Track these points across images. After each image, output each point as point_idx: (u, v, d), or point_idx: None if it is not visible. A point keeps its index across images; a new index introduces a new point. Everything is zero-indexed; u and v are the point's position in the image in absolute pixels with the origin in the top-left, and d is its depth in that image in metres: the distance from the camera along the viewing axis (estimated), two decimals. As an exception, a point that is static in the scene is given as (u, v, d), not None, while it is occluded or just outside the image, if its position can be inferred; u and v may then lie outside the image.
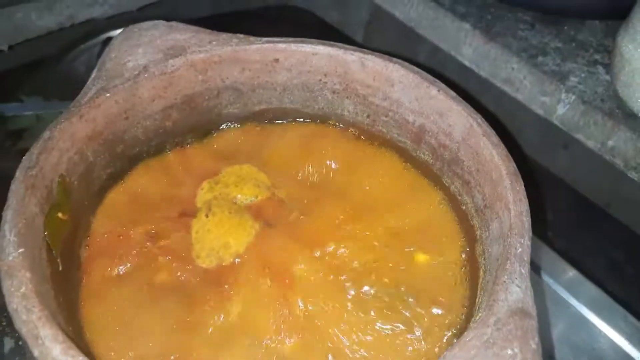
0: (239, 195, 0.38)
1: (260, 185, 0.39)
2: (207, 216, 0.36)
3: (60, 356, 0.24)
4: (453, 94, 0.38)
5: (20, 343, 0.41)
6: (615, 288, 0.49)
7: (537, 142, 0.59)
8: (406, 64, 0.39)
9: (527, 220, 0.32)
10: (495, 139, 0.35)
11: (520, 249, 0.30)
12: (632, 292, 0.50)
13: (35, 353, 0.24)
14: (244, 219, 0.36)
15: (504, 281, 0.29)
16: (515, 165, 0.34)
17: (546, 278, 0.49)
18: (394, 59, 0.39)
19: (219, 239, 0.35)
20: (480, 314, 0.28)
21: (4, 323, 0.42)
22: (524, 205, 0.32)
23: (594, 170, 0.55)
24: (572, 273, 0.50)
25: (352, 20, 0.77)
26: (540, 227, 0.59)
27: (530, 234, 0.32)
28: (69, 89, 0.48)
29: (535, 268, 0.49)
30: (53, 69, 0.66)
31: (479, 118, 0.36)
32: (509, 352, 0.26)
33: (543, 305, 0.48)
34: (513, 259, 0.30)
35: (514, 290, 0.29)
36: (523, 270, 0.30)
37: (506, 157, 0.34)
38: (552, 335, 0.47)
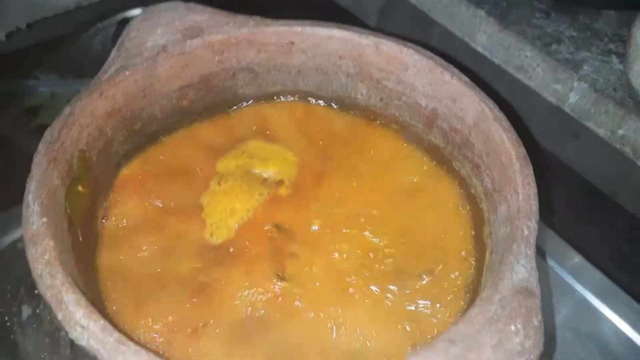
0: (258, 170, 0.39)
1: (284, 164, 0.40)
2: (219, 184, 0.37)
3: (82, 319, 0.25)
4: (466, 79, 0.38)
5: (37, 311, 0.43)
6: (620, 275, 0.50)
7: (547, 130, 0.59)
8: (420, 48, 0.40)
9: (534, 203, 0.32)
10: (506, 123, 0.36)
11: (527, 232, 0.31)
12: (637, 279, 0.50)
13: (59, 316, 0.25)
14: (253, 187, 0.37)
15: (510, 261, 0.30)
16: (524, 150, 0.35)
17: (552, 263, 0.49)
18: (409, 44, 0.40)
19: (226, 207, 0.36)
20: (485, 292, 0.29)
21: (22, 292, 0.43)
22: (532, 189, 0.33)
23: (603, 159, 0.55)
24: (577, 259, 0.50)
25: (366, 5, 0.77)
26: (547, 214, 0.60)
27: (538, 217, 0.32)
28: (84, 67, 0.49)
29: (541, 253, 0.49)
30: (69, 47, 0.67)
31: (490, 103, 0.37)
32: (512, 328, 0.27)
33: (547, 289, 0.48)
34: (520, 241, 0.30)
35: (519, 270, 0.29)
36: (529, 252, 0.30)
37: (516, 142, 0.35)
38: (556, 319, 0.48)
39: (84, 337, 0.24)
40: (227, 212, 0.37)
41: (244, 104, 0.43)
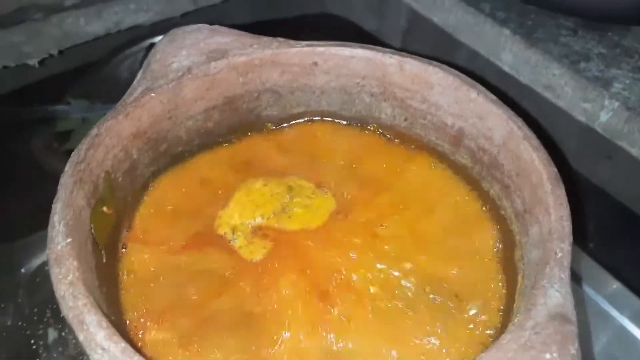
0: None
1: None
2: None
3: (103, 341, 0.24)
4: (493, 97, 0.38)
5: (63, 334, 0.43)
6: None
7: (580, 151, 0.58)
8: (445, 66, 0.39)
9: (567, 224, 0.31)
10: (536, 142, 0.35)
11: (560, 254, 0.30)
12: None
13: (81, 337, 0.25)
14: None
15: (543, 285, 0.28)
16: (556, 170, 0.34)
17: (588, 290, 0.48)
18: (433, 62, 0.40)
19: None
20: (517, 318, 0.28)
21: (48, 314, 0.43)
22: (565, 210, 0.32)
23: (638, 180, 0.53)
24: (615, 285, 0.49)
25: (390, 28, 0.77)
26: (582, 239, 0.58)
27: (571, 239, 0.31)
28: (113, 92, 0.49)
29: (577, 280, 0.48)
30: (99, 74, 0.69)
31: (519, 121, 0.36)
32: (547, 356, 0.25)
33: (584, 317, 0.46)
34: (553, 264, 0.29)
35: (554, 294, 0.28)
36: (563, 275, 0.29)
37: (547, 161, 0.34)
38: (594, 348, 0.46)
39: (105, 359, 0.24)
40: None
41: (271, 125, 0.43)
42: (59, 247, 0.28)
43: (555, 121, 0.56)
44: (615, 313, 0.46)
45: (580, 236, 0.58)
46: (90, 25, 0.65)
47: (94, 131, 0.34)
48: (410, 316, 0.34)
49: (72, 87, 0.67)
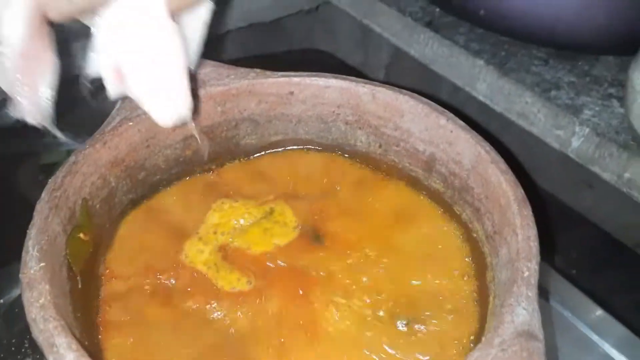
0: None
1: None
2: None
3: (72, 364, 0.25)
4: (461, 123, 0.39)
5: (40, 365, 0.42)
6: None
7: (560, 180, 0.59)
8: (415, 95, 0.41)
9: (534, 245, 0.32)
10: (503, 165, 0.36)
11: (527, 273, 0.30)
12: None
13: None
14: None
15: (511, 304, 0.29)
16: (523, 192, 0.35)
17: (571, 317, 0.48)
18: (404, 91, 0.41)
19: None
20: (486, 336, 0.28)
21: (26, 345, 0.43)
22: (532, 230, 0.33)
23: (619, 208, 0.54)
24: (598, 312, 0.49)
25: (373, 62, 0.79)
26: (566, 266, 0.59)
27: (539, 258, 0.32)
28: (99, 125, 0.50)
29: (560, 305, 0.48)
30: (85, 107, 0.70)
31: (487, 146, 0.37)
32: (513, 372, 0.26)
33: (570, 345, 0.47)
34: (520, 282, 0.30)
35: (521, 312, 0.29)
36: (530, 294, 0.30)
37: (514, 184, 0.35)
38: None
39: (73, 381, 0.24)
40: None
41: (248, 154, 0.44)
42: (32, 271, 0.28)
43: (530, 148, 0.57)
44: (598, 340, 0.47)
45: (563, 263, 0.59)
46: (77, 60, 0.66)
47: (71, 159, 0.34)
48: (385, 340, 0.34)
49: (58, 121, 0.67)
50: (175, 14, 0.26)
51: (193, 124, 0.30)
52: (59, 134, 0.34)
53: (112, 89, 0.28)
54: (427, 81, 0.66)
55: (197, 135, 0.35)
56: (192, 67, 0.30)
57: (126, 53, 0.27)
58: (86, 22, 0.27)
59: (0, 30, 0.25)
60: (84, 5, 0.25)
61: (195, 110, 0.37)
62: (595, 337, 0.47)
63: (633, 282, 0.57)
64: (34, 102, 0.28)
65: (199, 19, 0.29)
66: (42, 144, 0.64)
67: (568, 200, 0.61)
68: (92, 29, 0.27)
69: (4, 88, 0.27)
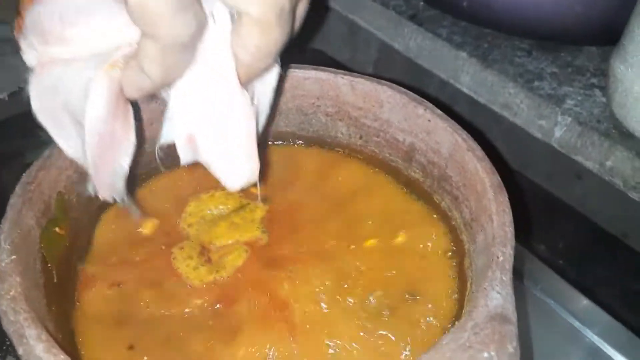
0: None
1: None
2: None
3: (42, 354, 0.24)
4: (439, 112, 0.39)
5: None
6: (630, 317, 0.48)
7: (548, 172, 0.59)
8: (394, 85, 0.41)
9: (510, 230, 0.32)
10: (480, 153, 0.36)
11: (502, 257, 0.30)
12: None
13: (20, 351, 0.25)
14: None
15: (485, 288, 0.29)
16: (499, 178, 0.35)
17: (556, 307, 0.48)
18: (382, 81, 0.41)
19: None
20: (460, 320, 0.28)
21: (8, 342, 0.43)
22: (507, 216, 0.33)
23: (606, 198, 0.54)
24: (585, 302, 0.49)
25: (362, 58, 0.79)
26: (553, 257, 0.59)
27: (513, 243, 0.32)
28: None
29: (545, 294, 0.48)
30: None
31: (464, 134, 0.37)
32: (485, 355, 0.26)
33: (556, 334, 0.47)
34: (494, 267, 0.30)
35: (494, 296, 0.29)
36: (504, 278, 0.30)
37: (490, 170, 0.35)
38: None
39: (42, 372, 0.24)
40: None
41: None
42: (3, 264, 0.28)
43: (518, 141, 0.58)
44: (584, 329, 0.47)
45: (550, 253, 0.59)
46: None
47: (46, 153, 0.34)
48: (360, 325, 0.34)
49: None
50: (245, 83, 0.28)
51: (258, 186, 0.30)
52: (134, 209, 0.35)
53: (184, 156, 0.29)
54: (415, 76, 0.66)
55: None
56: (260, 130, 0.31)
57: (199, 121, 0.28)
58: (162, 94, 0.28)
59: (83, 108, 0.26)
60: (163, 82, 0.26)
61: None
62: (581, 327, 0.47)
63: (620, 273, 0.57)
64: (109, 179, 0.29)
65: (268, 85, 0.30)
66: (26, 144, 0.64)
67: (555, 192, 0.61)
68: (167, 99, 0.28)
69: (82, 163, 0.29)
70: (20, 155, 0.63)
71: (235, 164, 0.29)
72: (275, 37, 0.26)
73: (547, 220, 0.62)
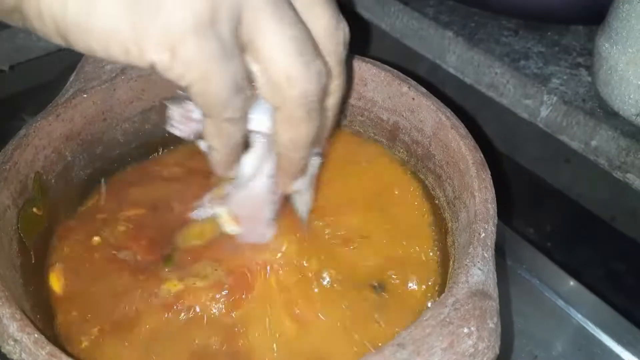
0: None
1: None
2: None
3: (15, 333, 0.24)
4: (423, 90, 0.38)
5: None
6: (615, 298, 0.48)
7: (536, 154, 0.59)
8: (378, 62, 0.40)
9: (492, 207, 0.32)
10: (463, 130, 0.36)
11: (483, 234, 0.30)
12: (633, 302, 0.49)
13: (-7, 331, 0.24)
14: None
15: (466, 264, 0.29)
16: (482, 156, 0.34)
17: (544, 288, 0.48)
18: (366, 59, 0.40)
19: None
20: (441, 296, 0.28)
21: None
22: (490, 193, 0.32)
23: (594, 181, 0.54)
24: (572, 283, 0.49)
25: (351, 40, 0.78)
26: (540, 237, 0.59)
27: (495, 220, 0.32)
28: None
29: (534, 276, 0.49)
30: (54, 91, 0.69)
31: (447, 112, 0.37)
32: (465, 330, 0.26)
33: (543, 315, 0.47)
34: (476, 243, 0.30)
35: (475, 272, 0.28)
36: (486, 254, 0.29)
37: (473, 148, 0.35)
38: (554, 345, 0.46)
39: (17, 350, 0.24)
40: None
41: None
42: (-23, 244, 0.27)
43: (506, 125, 0.57)
44: (571, 311, 0.47)
45: (537, 236, 0.59)
46: (43, 40, 0.65)
47: (22, 132, 0.34)
48: (346, 304, 0.34)
49: (27, 104, 0.66)
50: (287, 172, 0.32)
51: None
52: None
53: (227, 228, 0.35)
54: (404, 58, 0.66)
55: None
56: (305, 217, 0.36)
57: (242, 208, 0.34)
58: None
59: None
60: (227, 152, 0.29)
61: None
62: (568, 308, 0.47)
63: (606, 254, 0.57)
64: (255, 233, 0.35)
65: (309, 175, 0.33)
66: (10, 129, 0.63)
67: (543, 175, 0.61)
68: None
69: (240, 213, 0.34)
70: (4, 139, 0.62)
71: (256, 234, 0.35)
72: (306, 131, 0.28)
73: (534, 202, 0.62)
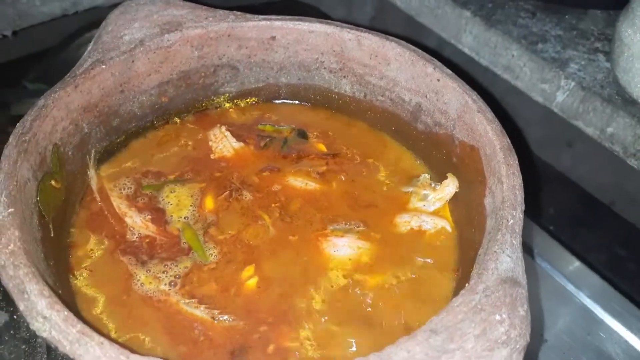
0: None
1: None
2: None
3: (45, 310, 0.24)
4: (449, 71, 0.38)
5: (15, 317, 0.41)
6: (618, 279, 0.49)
7: (543, 139, 0.59)
8: (402, 42, 0.39)
9: (520, 193, 0.32)
10: (490, 115, 0.35)
11: (512, 221, 0.30)
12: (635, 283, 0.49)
13: (21, 307, 0.24)
14: None
15: (495, 251, 0.29)
16: (509, 141, 0.34)
17: (549, 268, 0.49)
18: (390, 37, 0.39)
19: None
20: (470, 282, 0.28)
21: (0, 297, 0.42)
22: (517, 179, 0.32)
23: (598, 166, 0.54)
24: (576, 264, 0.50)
25: (358, 15, 0.77)
26: (544, 220, 0.59)
27: (523, 207, 0.31)
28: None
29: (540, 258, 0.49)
30: (56, 57, 0.67)
31: (474, 95, 0.36)
32: (497, 317, 0.26)
33: (548, 295, 0.47)
34: (504, 230, 0.30)
35: (505, 259, 0.28)
36: (514, 241, 0.29)
37: (500, 133, 0.34)
38: (556, 323, 0.47)
39: (46, 328, 0.23)
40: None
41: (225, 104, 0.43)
42: (0, 217, 0.27)
43: (515, 102, 0.57)
44: (575, 291, 0.47)
45: (542, 219, 0.60)
46: (46, 6, 0.63)
47: (40, 102, 0.33)
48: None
49: (29, 71, 0.65)
50: None
51: None
52: None
53: None
54: (412, 34, 0.65)
55: None
56: None
57: None
58: None
59: None
60: None
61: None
62: (572, 288, 0.47)
63: (608, 237, 0.58)
64: None
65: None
66: (12, 95, 0.61)
67: (548, 159, 0.61)
68: None
69: None
70: (6, 106, 0.60)
71: None
72: None
73: (539, 186, 0.62)
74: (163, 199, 0.36)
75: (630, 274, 0.54)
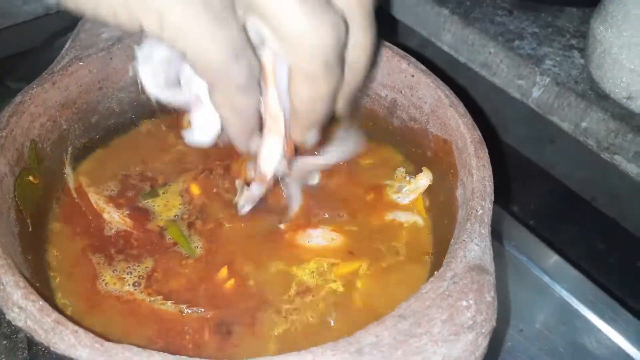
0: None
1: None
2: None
3: (20, 300, 0.24)
4: (422, 67, 0.38)
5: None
6: (596, 273, 0.50)
7: (523, 134, 0.60)
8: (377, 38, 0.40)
9: (489, 184, 0.32)
10: (462, 109, 0.36)
11: (481, 211, 0.31)
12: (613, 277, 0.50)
13: (-4, 298, 0.24)
14: None
15: (464, 240, 0.29)
16: (480, 134, 0.35)
17: (528, 263, 0.50)
18: (366, 34, 0.40)
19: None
20: (439, 270, 0.29)
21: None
22: (487, 171, 0.33)
23: (579, 162, 0.56)
24: (554, 258, 0.51)
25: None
26: (524, 215, 0.60)
27: (492, 198, 0.32)
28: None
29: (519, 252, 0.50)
30: (39, 56, 0.67)
31: (447, 90, 0.37)
32: (464, 303, 0.26)
33: (527, 289, 0.48)
34: (473, 220, 0.30)
35: (473, 248, 0.29)
36: (483, 231, 0.30)
37: (472, 126, 0.35)
38: (536, 317, 0.47)
39: (22, 318, 0.24)
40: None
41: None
42: (-24, 210, 0.27)
43: (492, 98, 0.58)
44: (554, 285, 0.48)
45: (522, 213, 0.61)
46: (28, 5, 0.63)
47: (17, 98, 0.33)
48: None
49: (12, 70, 0.65)
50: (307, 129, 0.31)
51: None
52: None
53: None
54: (396, 33, 0.65)
55: None
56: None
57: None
58: None
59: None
60: (239, 125, 0.29)
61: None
62: (549, 280, 0.48)
63: (587, 232, 0.59)
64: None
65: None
66: (-6, 94, 0.61)
67: (528, 154, 0.62)
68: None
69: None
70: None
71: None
72: (324, 86, 0.27)
73: (521, 181, 0.63)
74: (149, 202, 0.37)
75: (609, 266, 0.55)
